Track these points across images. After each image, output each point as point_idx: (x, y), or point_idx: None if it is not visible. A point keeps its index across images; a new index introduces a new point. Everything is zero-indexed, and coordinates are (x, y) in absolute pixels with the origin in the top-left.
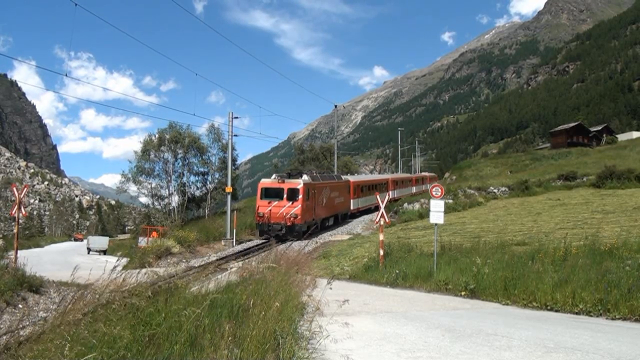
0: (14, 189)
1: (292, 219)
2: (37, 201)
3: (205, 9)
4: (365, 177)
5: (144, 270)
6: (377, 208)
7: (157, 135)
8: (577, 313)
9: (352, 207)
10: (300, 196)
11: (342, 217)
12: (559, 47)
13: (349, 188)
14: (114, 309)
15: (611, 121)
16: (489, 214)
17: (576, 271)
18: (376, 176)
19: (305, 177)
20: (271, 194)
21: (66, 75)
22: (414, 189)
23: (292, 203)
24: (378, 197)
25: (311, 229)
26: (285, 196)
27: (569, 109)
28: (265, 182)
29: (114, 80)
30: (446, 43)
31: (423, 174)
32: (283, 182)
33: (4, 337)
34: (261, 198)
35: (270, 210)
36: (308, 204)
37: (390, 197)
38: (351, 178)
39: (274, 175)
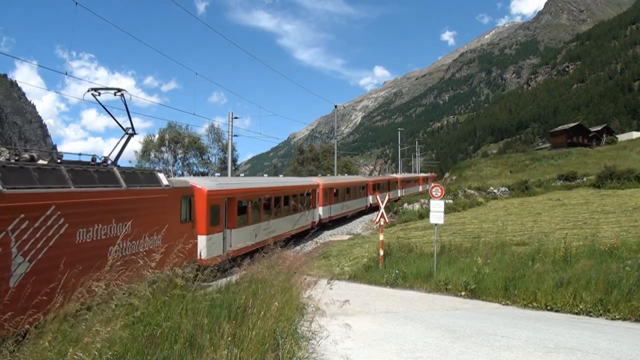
0: None
1: None
2: None
3: (207, 9)
4: (257, 180)
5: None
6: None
7: (157, 135)
8: (577, 313)
9: (203, 256)
10: None
11: None
12: (559, 47)
13: (191, 209)
14: (113, 309)
15: (611, 121)
16: (489, 214)
17: (577, 271)
18: (288, 180)
19: None
20: None
21: (66, 74)
22: (370, 200)
23: None
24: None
25: None
26: None
27: (569, 109)
28: None
29: (115, 81)
30: (446, 43)
31: (394, 175)
32: None
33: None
34: None
35: None
36: None
37: (322, 217)
38: (209, 183)
39: None
